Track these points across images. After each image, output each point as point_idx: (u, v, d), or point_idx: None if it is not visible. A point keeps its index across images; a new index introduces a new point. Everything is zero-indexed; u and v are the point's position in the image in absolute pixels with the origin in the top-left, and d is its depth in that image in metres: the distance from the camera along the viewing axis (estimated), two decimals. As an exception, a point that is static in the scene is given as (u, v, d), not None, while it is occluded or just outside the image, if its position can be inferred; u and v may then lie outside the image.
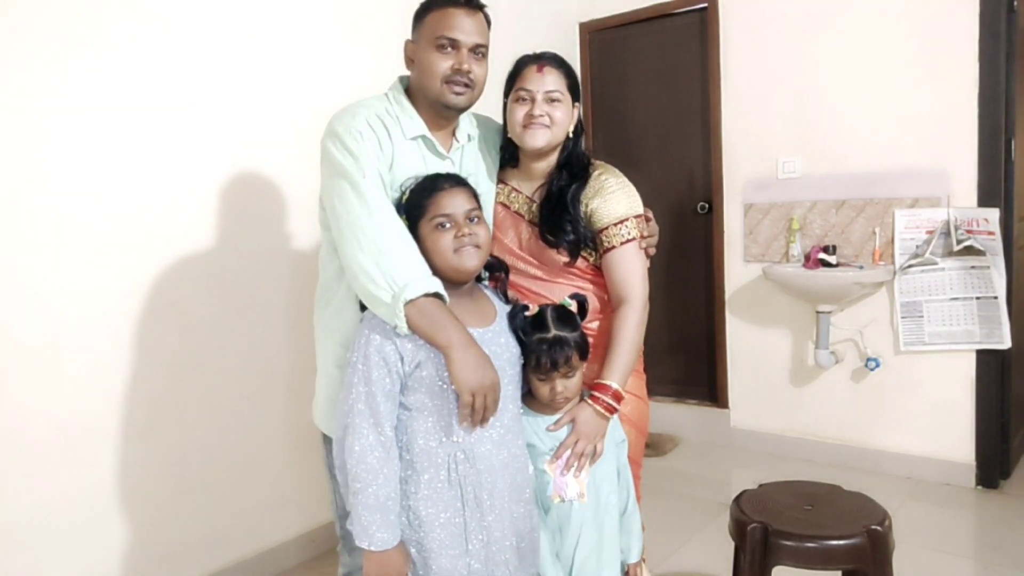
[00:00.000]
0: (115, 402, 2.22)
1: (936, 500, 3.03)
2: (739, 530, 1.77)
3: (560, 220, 1.73)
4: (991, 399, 3.07)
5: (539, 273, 1.79)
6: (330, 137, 1.56)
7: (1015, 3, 2.95)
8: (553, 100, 1.71)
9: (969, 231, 3.03)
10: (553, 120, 1.71)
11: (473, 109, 1.72)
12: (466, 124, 1.76)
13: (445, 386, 1.45)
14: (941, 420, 3.16)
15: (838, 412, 3.41)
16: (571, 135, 1.77)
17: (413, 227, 1.53)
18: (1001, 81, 2.93)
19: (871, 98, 3.21)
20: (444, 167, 1.66)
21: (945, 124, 3.05)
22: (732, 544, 1.87)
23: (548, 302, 1.69)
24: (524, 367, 1.59)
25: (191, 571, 2.42)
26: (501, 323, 1.59)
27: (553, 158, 1.78)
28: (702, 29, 3.68)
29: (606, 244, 1.74)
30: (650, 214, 1.85)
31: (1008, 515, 2.87)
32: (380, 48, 2.83)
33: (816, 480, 2.01)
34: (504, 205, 1.83)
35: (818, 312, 3.31)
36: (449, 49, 1.59)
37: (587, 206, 1.73)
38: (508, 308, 1.65)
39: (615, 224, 1.73)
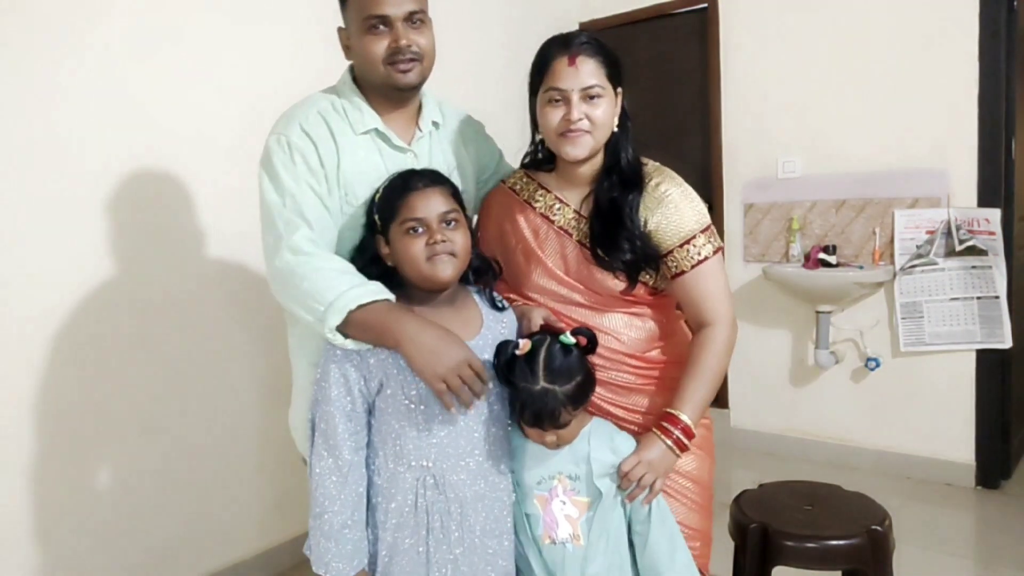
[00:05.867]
0: (114, 402, 2.22)
1: (936, 500, 3.02)
2: (739, 530, 1.77)
3: (616, 238, 1.47)
4: (991, 399, 3.07)
5: (588, 301, 1.53)
6: (264, 163, 1.46)
7: (1015, 3, 2.95)
8: (593, 97, 1.44)
9: (970, 231, 3.02)
10: (594, 122, 1.45)
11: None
12: (431, 110, 1.59)
13: (413, 406, 1.34)
14: (941, 420, 3.16)
15: (838, 412, 3.41)
16: (615, 130, 1.50)
17: (385, 229, 1.40)
18: (1001, 81, 2.93)
19: (871, 98, 3.20)
20: (407, 160, 1.51)
21: (945, 124, 3.04)
22: (732, 544, 1.87)
23: (604, 335, 1.48)
24: None
25: (190, 571, 2.41)
26: (488, 334, 1.43)
27: (598, 159, 1.53)
28: (702, 29, 3.68)
29: (675, 269, 1.50)
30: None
31: (1008, 515, 2.87)
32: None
33: (816, 480, 2.01)
34: (546, 218, 1.55)
35: (818, 312, 3.31)
36: (381, 27, 1.43)
37: (646, 222, 1.49)
38: (497, 315, 1.49)
39: (682, 244, 1.49)
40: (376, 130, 1.50)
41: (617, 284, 1.50)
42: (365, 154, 1.48)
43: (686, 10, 3.72)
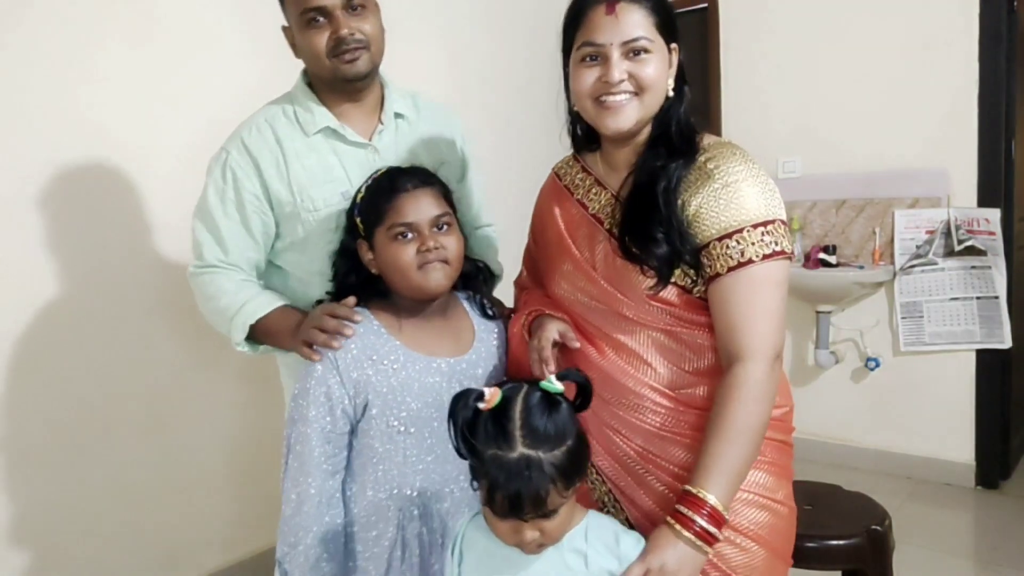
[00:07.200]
0: (115, 401, 2.22)
1: (936, 500, 3.02)
2: (739, 530, 1.76)
3: (648, 224, 1.15)
4: (991, 399, 3.07)
5: (619, 307, 1.20)
6: (207, 174, 1.47)
7: (1015, 4, 2.95)
8: (638, 52, 1.14)
9: (970, 231, 3.03)
10: (642, 83, 1.15)
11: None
12: (395, 101, 1.51)
13: (402, 428, 1.23)
14: (941, 420, 3.16)
15: (838, 412, 3.41)
16: (670, 94, 1.21)
17: (369, 234, 1.28)
18: (1001, 81, 2.93)
19: (871, 98, 3.20)
20: (367, 156, 1.45)
21: (945, 124, 3.04)
22: (732, 544, 1.86)
23: (629, 355, 1.17)
24: None
25: (191, 571, 2.41)
26: (481, 347, 1.32)
27: (645, 135, 1.22)
28: (702, 29, 3.67)
29: (708, 270, 1.14)
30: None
31: (1008, 515, 2.87)
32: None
33: (816, 480, 2.01)
34: (581, 205, 1.28)
35: (818, 312, 3.31)
36: (320, 19, 1.36)
37: (685, 204, 1.14)
38: (488, 325, 1.36)
39: (722, 237, 1.11)
40: (328, 128, 1.44)
41: (643, 281, 1.16)
42: (318, 155, 1.44)
43: (686, 10, 3.72)
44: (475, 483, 1.02)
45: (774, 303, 1.13)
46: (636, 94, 1.16)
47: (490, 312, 1.39)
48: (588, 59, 1.16)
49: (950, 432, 3.14)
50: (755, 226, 1.11)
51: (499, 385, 1.04)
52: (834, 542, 1.65)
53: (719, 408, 1.10)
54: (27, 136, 2.02)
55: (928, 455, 3.19)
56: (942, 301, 3.10)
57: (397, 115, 1.51)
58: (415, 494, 1.25)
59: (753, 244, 1.11)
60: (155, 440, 2.32)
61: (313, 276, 1.48)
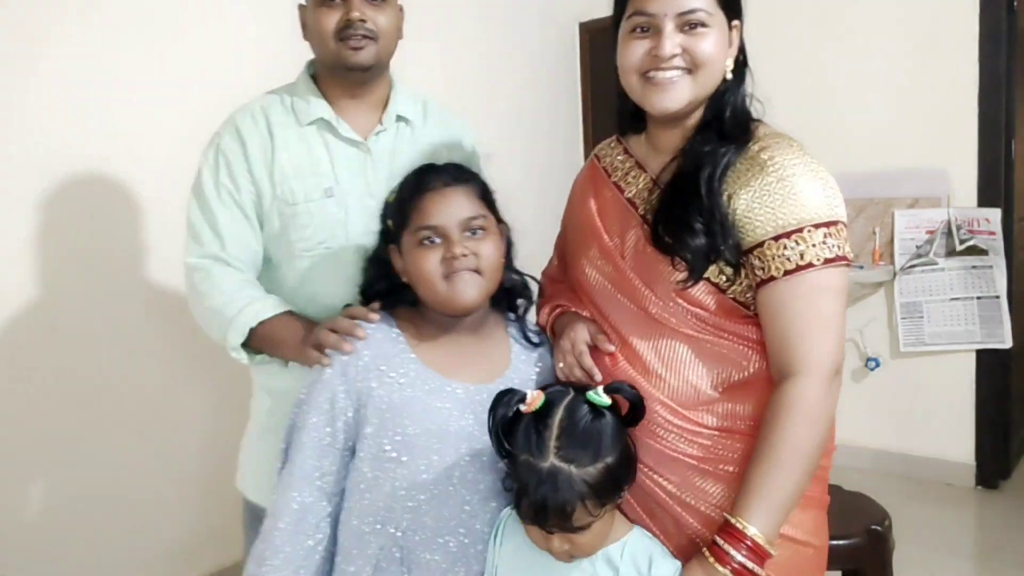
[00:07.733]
0: (113, 400, 2.22)
1: (936, 500, 3.02)
2: (739, 530, 1.76)
3: (686, 210, 1.03)
4: (991, 399, 3.07)
5: (643, 303, 1.09)
6: (200, 159, 1.41)
7: (1015, 3, 2.95)
8: (695, 25, 1.04)
9: (970, 231, 3.03)
10: (696, 59, 1.05)
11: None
12: (400, 103, 1.44)
13: (395, 454, 1.08)
14: (941, 420, 3.15)
15: (838, 412, 3.36)
16: (728, 76, 1.10)
17: (397, 238, 1.16)
18: (1001, 81, 2.93)
19: (871, 98, 3.20)
20: (359, 155, 1.37)
21: (945, 124, 3.04)
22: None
23: (641, 365, 1.06)
24: None
25: (191, 571, 2.41)
26: (512, 378, 1.15)
27: (697, 118, 1.11)
28: (702, 29, 3.67)
29: (760, 273, 1.02)
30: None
31: (1008, 515, 2.87)
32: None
33: (816, 480, 2.01)
34: (617, 187, 1.18)
35: (818, 312, 3.31)
36: (336, 0, 1.32)
37: (734, 198, 1.03)
38: (530, 353, 1.19)
39: (779, 237, 1.00)
40: (322, 119, 1.38)
41: (673, 274, 1.04)
42: (308, 147, 1.37)
43: (686, 10, 3.72)
44: (507, 483, 1.01)
45: (835, 313, 1.03)
46: (689, 71, 1.06)
47: (534, 339, 1.21)
48: (638, 30, 1.06)
49: (950, 432, 3.14)
50: (816, 226, 1.01)
51: (543, 388, 1.01)
52: (834, 542, 1.63)
53: (767, 428, 1.00)
54: (18, 135, 2.02)
55: (928, 455, 3.19)
56: (942, 301, 3.10)
57: (400, 118, 1.44)
58: (399, 534, 1.08)
59: (814, 246, 1.00)
60: (152, 440, 2.32)
61: (286, 276, 1.41)
